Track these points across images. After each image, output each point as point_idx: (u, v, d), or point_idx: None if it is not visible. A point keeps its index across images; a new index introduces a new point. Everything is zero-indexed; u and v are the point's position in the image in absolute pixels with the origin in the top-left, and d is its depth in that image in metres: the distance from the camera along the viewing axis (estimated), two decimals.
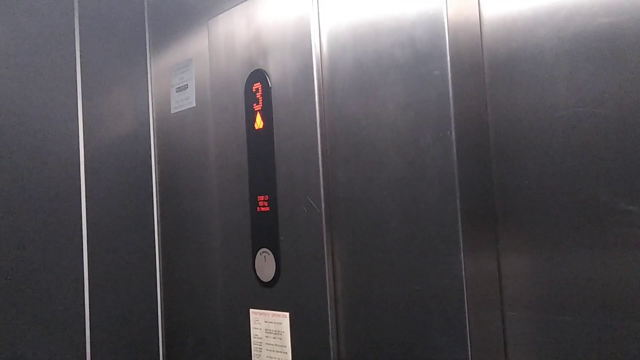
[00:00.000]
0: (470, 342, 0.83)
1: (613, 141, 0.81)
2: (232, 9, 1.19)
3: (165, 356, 1.45)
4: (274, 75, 1.10)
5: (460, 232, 0.85)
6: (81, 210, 1.35)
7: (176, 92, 1.42)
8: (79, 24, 1.38)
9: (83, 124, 1.37)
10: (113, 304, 1.39)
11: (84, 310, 1.33)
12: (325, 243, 1.01)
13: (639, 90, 0.79)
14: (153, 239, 1.48)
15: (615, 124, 0.81)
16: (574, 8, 0.85)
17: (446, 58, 0.86)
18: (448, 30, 0.87)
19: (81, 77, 1.37)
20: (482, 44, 0.95)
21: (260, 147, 1.12)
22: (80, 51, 1.38)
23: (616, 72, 0.81)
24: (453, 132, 0.85)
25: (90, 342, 1.34)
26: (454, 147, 0.85)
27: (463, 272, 0.85)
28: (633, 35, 0.80)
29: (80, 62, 1.38)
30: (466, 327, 0.84)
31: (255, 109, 1.13)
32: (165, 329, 1.46)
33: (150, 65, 1.50)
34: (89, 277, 1.34)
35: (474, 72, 0.93)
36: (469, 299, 0.85)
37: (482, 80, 0.94)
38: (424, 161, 0.89)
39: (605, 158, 0.82)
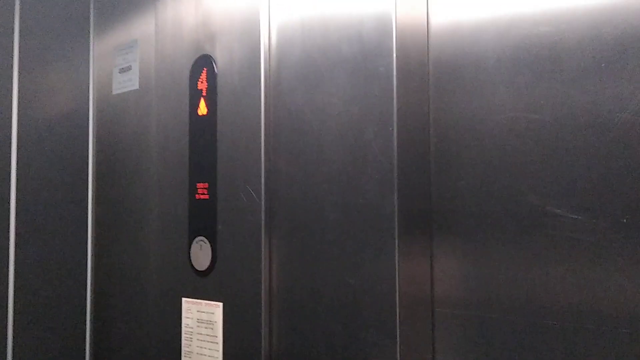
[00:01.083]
0: (400, 338, 0.85)
1: (546, 146, 0.84)
2: None
3: (93, 343, 1.41)
4: (221, 61, 1.08)
5: (396, 229, 0.86)
6: (10, 189, 1.29)
7: (119, 72, 1.37)
8: None
9: (18, 99, 1.31)
10: (39, 288, 1.33)
11: (7, 292, 1.28)
12: (263, 234, 1.01)
13: (575, 97, 0.82)
14: (86, 223, 1.43)
15: (550, 129, 0.84)
16: (516, 16, 0.88)
17: (392, 55, 0.87)
18: (396, 29, 0.87)
19: (19, 49, 1.31)
20: (428, 46, 0.96)
21: (203, 133, 1.10)
22: (20, 23, 1.32)
23: (554, 79, 0.84)
24: (395, 128, 0.86)
25: (14, 326, 1.28)
26: (395, 143, 0.86)
27: (396, 269, 0.86)
28: (571, 44, 0.83)
29: (19, 33, 1.32)
30: (396, 323, 0.85)
31: (200, 95, 1.11)
32: (93, 316, 1.41)
33: (94, 43, 1.45)
34: (15, 256, 1.29)
35: (419, 72, 0.94)
36: (401, 296, 0.86)
37: (426, 81, 0.96)
38: (365, 156, 0.89)
39: (538, 162, 0.85)
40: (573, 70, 0.83)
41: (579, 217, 0.81)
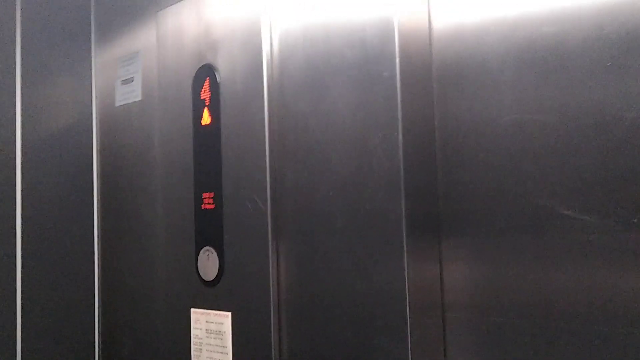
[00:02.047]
0: (411, 343, 0.84)
1: (553, 147, 0.84)
2: (182, 1, 1.17)
3: (102, 355, 1.41)
4: (223, 71, 1.08)
5: (405, 234, 0.86)
6: (15, 203, 1.29)
7: (121, 84, 1.37)
8: (21, 8, 1.32)
9: (21, 113, 1.31)
10: (47, 302, 1.33)
11: (16, 308, 1.27)
12: (270, 242, 1.00)
13: (580, 97, 0.82)
14: (92, 235, 1.43)
15: (556, 130, 0.83)
16: (520, 17, 0.87)
17: (395, 60, 0.87)
18: (398, 34, 0.87)
19: (21, 63, 1.31)
20: (431, 49, 0.96)
21: (207, 143, 1.10)
22: (22, 37, 1.32)
23: (559, 79, 0.83)
24: (400, 133, 0.86)
25: (22, 340, 1.28)
26: (401, 149, 0.86)
27: (406, 274, 0.85)
28: (576, 44, 0.82)
29: (21, 48, 1.32)
30: (407, 328, 0.84)
31: (203, 105, 1.11)
32: (102, 329, 1.41)
33: (95, 55, 1.45)
34: (22, 272, 1.28)
35: (423, 76, 0.94)
36: (411, 301, 0.85)
37: (430, 85, 0.95)
38: (371, 162, 0.89)
39: (545, 163, 0.84)
40: (578, 70, 0.82)
41: (589, 218, 0.81)
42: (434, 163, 0.94)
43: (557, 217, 0.83)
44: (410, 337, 0.84)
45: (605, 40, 0.80)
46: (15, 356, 1.27)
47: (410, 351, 0.84)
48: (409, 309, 0.84)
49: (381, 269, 0.88)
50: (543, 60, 0.85)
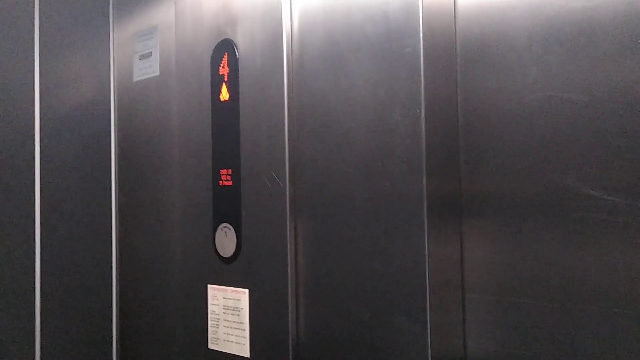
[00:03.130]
0: (430, 324, 0.83)
1: (580, 126, 0.81)
2: None
3: (119, 331, 1.42)
4: (242, 46, 1.07)
5: (425, 213, 0.84)
6: (34, 178, 1.29)
7: (139, 59, 1.37)
8: None
9: (40, 88, 1.31)
10: (66, 276, 1.34)
11: (34, 281, 1.28)
12: (288, 219, 1.00)
13: (609, 75, 0.79)
14: (110, 211, 1.43)
15: (584, 109, 0.81)
16: None
17: (419, 35, 0.85)
18: (422, 7, 0.85)
19: (39, 38, 1.31)
20: (455, 25, 0.93)
21: (225, 119, 1.09)
22: (40, 12, 1.31)
23: (588, 57, 0.81)
24: (423, 110, 0.84)
25: (41, 314, 1.29)
26: (423, 126, 0.84)
27: (426, 254, 0.84)
28: (606, 20, 0.79)
29: (39, 23, 1.31)
30: (427, 308, 0.84)
31: (222, 80, 1.10)
32: (120, 304, 1.42)
33: (114, 30, 1.44)
34: (41, 247, 1.29)
35: (446, 52, 0.92)
36: (431, 281, 0.84)
37: (454, 61, 0.93)
38: (392, 139, 0.87)
39: (572, 143, 0.82)
40: (607, 46, 0.79)
41: (614, 199, 0.79)
42: (456, 141, 0.93)
43: (582, 197, 0.81)
44: (430, 318, 0.83)
45: (636, 16, 0.77)
46: (35, 334, 1.28)
47: (429, 332, 0.83)
48: (429, 289, 0.83)
49: (401, 249, 0.87)
50: (571, 36, 0.82)
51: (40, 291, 1.29)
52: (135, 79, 1.38)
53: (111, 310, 1.42)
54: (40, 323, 1.29)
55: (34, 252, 1.28)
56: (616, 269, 0.79)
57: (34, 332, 1.28)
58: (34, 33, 1.31)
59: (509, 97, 0.88)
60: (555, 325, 0.84)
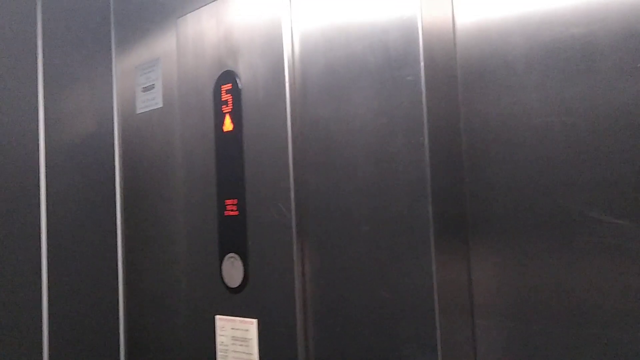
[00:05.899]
0: (441, 351, 0.83)
1: (583, 150, 0.82)
2: (202, 8, 1.16)
3: None
4: (244, 76, 1.08)
5: (432, 239, 0.84)
6: (40, 212, 1.30)
7: (142, 91, 1.38)
8: (42, 17, 1.33)
9: (44, 122, 1.32)
10: (72, 310, 1.34)
11: (42, 316, 1.28)
12: (294, 248, 1.00)
13: (609, 100, 0.80)
14: (115, 242, 1.43)
15: (585, 133, 0.82)
16: (546, 17, 0.86)
17: (420, 64, 0.86)
18: (422, 35, 0.86)
19: (43, 72, 1.32)
20: (455, 51, 0.94)
21: (229, 149, 1.10)
22: (43, 46, 1.33)
23: (587, 81, 0.82)
24: (426, 138, 0.84)
25: (49, 350, 1.29)
26: (427, 153, 0.84)
27: (434, 280, 0.84)
28: (604, 45, 0.80)
29: (43, 57, 1.33)
30: (436, 335, 0.83)
31: (225, 111, 1.11)
32: (127, 336, 1.41)
33: (116, 63, 1.46)
34: (47, 281, 1.29)
35: (447, 79, 0.92)
36: (440, 307, 0.84)
37: (455, 87, 0.94)
38: (395, 167, 0.88)
39: (575, 167, 0.82)
40: (607, 71, 0.80)
41: (620, 222, 0.79)
42: (460, 165, 0.93)
43: (587, 220, 0.81)
44: (441, 344, 0.83)
45: (635, 40, 0.78)
46: None
47: (440, 358, 0.82)
48: (438, 315, 0.83)
49: (408, 274, 0.87)
50: (570, 61, 0.83)
51: (48, 328, 1.29)
52: (139, 111, 1.39)
53: (118, 343, 1.42)
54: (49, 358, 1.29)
55: (40, 286, 1.28)
56: (627, 293, 0.79)
57: None
58: (37, 67, 1.32)
59: (510, 122, 0.88)
60: (565, 351, 0.83)
